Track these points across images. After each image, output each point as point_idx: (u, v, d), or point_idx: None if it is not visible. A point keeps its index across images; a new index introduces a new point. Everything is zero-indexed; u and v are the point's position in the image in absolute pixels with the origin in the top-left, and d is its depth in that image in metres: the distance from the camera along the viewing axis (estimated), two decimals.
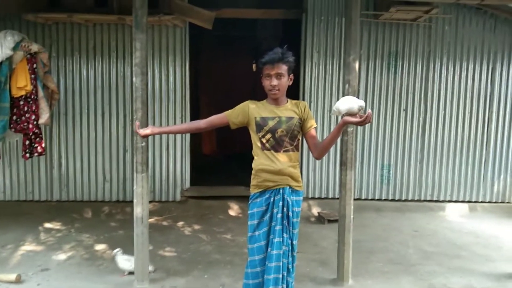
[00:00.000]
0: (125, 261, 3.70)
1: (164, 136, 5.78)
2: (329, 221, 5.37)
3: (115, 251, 3.77)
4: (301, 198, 2.74)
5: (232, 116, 2.70)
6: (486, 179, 6.19)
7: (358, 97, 5.88)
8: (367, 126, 5.96)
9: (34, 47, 4.47)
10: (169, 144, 5.81)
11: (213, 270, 3.93)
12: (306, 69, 5.87)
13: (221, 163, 9.19)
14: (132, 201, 3.60)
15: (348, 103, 2.40)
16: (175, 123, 5.67)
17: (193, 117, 5.72)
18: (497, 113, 6.09)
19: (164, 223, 5.36)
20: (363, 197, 6.10)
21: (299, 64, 5.89)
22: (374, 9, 5.69)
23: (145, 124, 3.39)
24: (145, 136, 2.82)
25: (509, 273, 3.98)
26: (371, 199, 6.12)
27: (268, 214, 2.63)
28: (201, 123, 2.77)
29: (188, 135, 5.89)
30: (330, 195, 6.02)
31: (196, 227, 5.22)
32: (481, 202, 6.21)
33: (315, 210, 5.82)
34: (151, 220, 5.28)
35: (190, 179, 5.97)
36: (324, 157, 5.89)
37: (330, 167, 6.01)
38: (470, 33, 5.95)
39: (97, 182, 5.78)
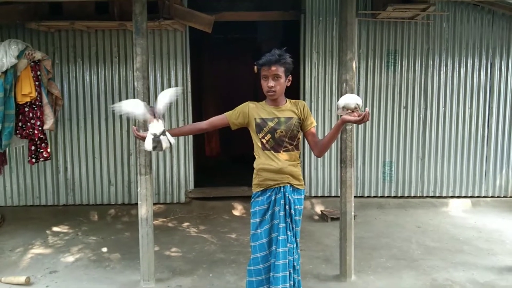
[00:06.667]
0: None
1: None
2: (332, 219, 5.42)
3: None
4: (302, 196, 2.78)
5: (232, 116, 2.75)
6: (488, 174, 6.22)
7: (358, 95, 5.96)
8: (369, 124, 6.02)
9: (38, 55, 4.56)
10: (173, 146, 5.89)
11: (218, 269, 3.99)
12: (306, 69, 5.93)
13: (224, 164, 9.26)
14: (137, 204, 3.67)
15: (346, 99, 2.49)
16: (177, 126, 5.74)
17: (196, 120, 5.78)
18: (497, 108, 6.12)
19: (169, 224, 5.44)
20: (365, 195, 6.15)
21: (299, 65, 5.95)
22: (371, 8, 5.74)
23: (146, 128, 3.45)
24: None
25: (511, 266, 4.02)
26: (374, 196, 6.16)
27: (270, 212, 2.67)
28: (203, 124, 2.80)
29: (191, 137, 5.96)
30: (333, 193, 6.07)
31: (201, 227, 5.29)
32: (484, 197, 6.23)
33: (318, 208, 5.87)
34: (156, 221, 5.36)
35: (194, 181, 6.04)
36: (326, 156, 5.99)
37: (333, 166, 6.05)
38: (468, 29, 5.98)
39: (102, 185, 5.87)
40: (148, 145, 2.54)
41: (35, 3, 4.96)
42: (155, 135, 2.54)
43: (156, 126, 2.55)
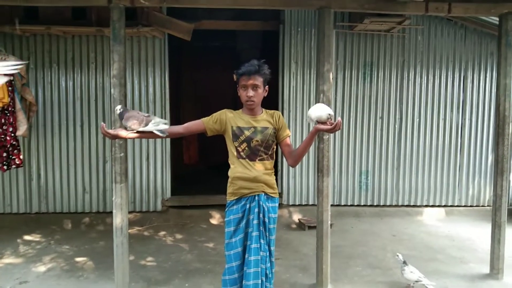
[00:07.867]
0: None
1: (144, 146, 5.79)
2: (310, 227, 5.45)
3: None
4: (276, 204, 2.80)
5: (209, 123, 2.74)
6: (461, 183, 6.37)
7: (335, 106, 6.03)
8: (345, 134, 6.11)
9: (11, 59, 4.46)
10: (150, 154, 5.83)
11: (194, 278, 3.95)
12: (285, 79, 5.98)
13: (202, 172, 9.21)
14: (112, 212, 3.61)
15: (318, 111, 2.51)
16: None
17: None
18: (469, 120, 6.30)
19: (145, 233, 5.36)
20: (342, 203, 6.21)
21: (278, 74, 6.00)
22: (349, 20, 5.85)
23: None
24: (116, 138, 2.70)
25: (482, 274, 4.12)
26: (350, 205, 6.23)
27: (244, 221, 2.68)
28: (179, 128, 2.77)
29: (168, 145, 5.91)
30: (311, 202, 6.11)
31: (177, 236, 5.24)
32: (457, 206, 6.38)
33: (296, 217, 5.89)
34: (132, 230, 5.28)
35: (171, 189, 5.98)
36: (304, 165, 6.03)
37: (310, 175, 6.10)
38: (442, 43, 6.16)
39: (76, 193, 5.75)
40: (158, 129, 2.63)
41: (10, 7, 4.87)
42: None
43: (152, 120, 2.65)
